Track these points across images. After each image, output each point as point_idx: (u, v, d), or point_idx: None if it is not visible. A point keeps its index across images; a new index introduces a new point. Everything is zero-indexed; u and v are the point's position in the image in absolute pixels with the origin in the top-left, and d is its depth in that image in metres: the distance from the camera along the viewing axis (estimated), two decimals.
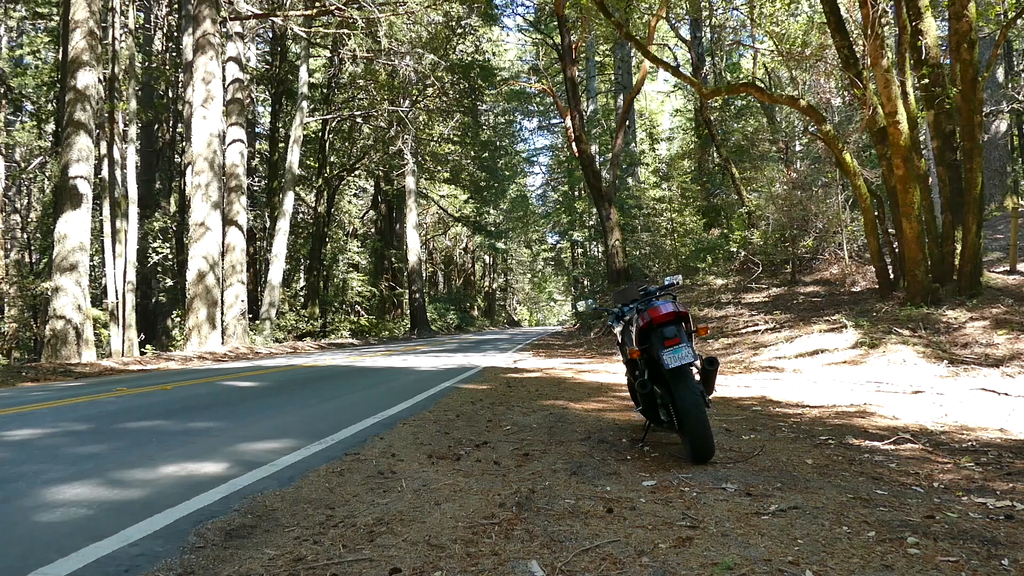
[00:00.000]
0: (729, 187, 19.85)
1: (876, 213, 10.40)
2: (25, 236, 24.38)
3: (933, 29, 9.16)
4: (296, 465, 3.34)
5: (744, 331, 10.88)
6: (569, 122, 18.98)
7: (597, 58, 29.18)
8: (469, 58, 25.95)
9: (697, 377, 3.43)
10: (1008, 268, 10.17)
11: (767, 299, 13.12)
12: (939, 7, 12.01)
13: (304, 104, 21.37)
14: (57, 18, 19.01)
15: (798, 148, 19.02)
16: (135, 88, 17.23)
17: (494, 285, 52.46)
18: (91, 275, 15.47)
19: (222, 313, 15.93)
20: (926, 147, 11.53)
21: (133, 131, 16.95)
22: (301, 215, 28.60)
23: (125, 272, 15.84)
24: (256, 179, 26.55)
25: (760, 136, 20.96)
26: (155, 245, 21.31)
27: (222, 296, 15.99)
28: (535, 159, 43.59)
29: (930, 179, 10.56)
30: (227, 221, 16.82)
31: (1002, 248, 11.78)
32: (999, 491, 2.78)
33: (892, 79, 8.22)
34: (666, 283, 3.82)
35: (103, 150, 16.37)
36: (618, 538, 2.18)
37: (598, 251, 31.22)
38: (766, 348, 9.36)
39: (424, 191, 33.09)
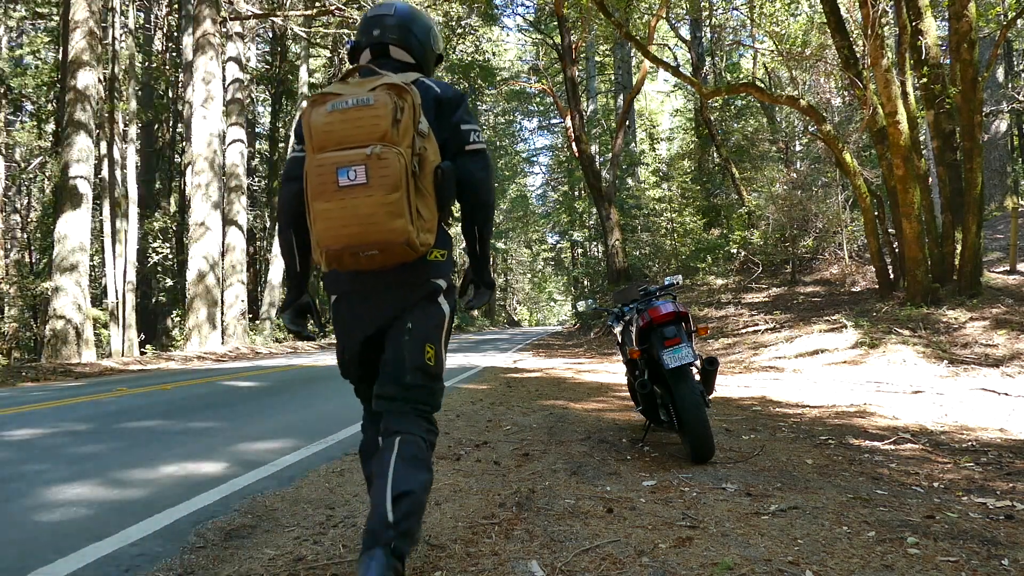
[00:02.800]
0: (729, 187, 19.83)
1: (876, 213, 10.40)
2: (25, 236, 24.37)
3: (933, 29, 9.16)
4: (296, 465, 3.34)
5: (744, 331, 10.88)
6: (569, 122, 18.97)
7: (597, 58, 29.15)
8: (469, 58, 25.93)
9: (697, 377, 3.43)
10: (1008, 268, 10.17)
11: (767, 299, 13.12)
12: (939, 7, 12.00)
13: (304, 104, 21.35)
14: (57, 18, 19.00)
15: (798, 148, 19.01)
16: (135, 88, 17.23)
17: None
18: (91, 275, 15.47)
19: (222, 313, 15.93)
20: (926, 147, 11.53)
21: (133, 131, 16.96)
22: None
23: (125, 272, 15.84)
24: (256, 179, 26.54)
25: (760, 136, 20.94)
26: (155, 245, 21.30)
27: (222, 296, 15.99)
28: (535, 159, 43.58)
29: (930, 179, 10.55)
30: (227, 221, 16.82)
31: (1002, 248, 11.78)
32: (999, 491, 2.78)
33: (892, 79, 8.22)
34: (666, 283, 3.83)
35: (103, 150, 16.37)
36: (618, 538, 2.18)
37: (598, 251, 31.20)
38: (766, 348, 9.36)
39: None
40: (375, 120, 1.57)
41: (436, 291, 1.77)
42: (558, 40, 19.28)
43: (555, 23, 19.89)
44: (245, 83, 19.20)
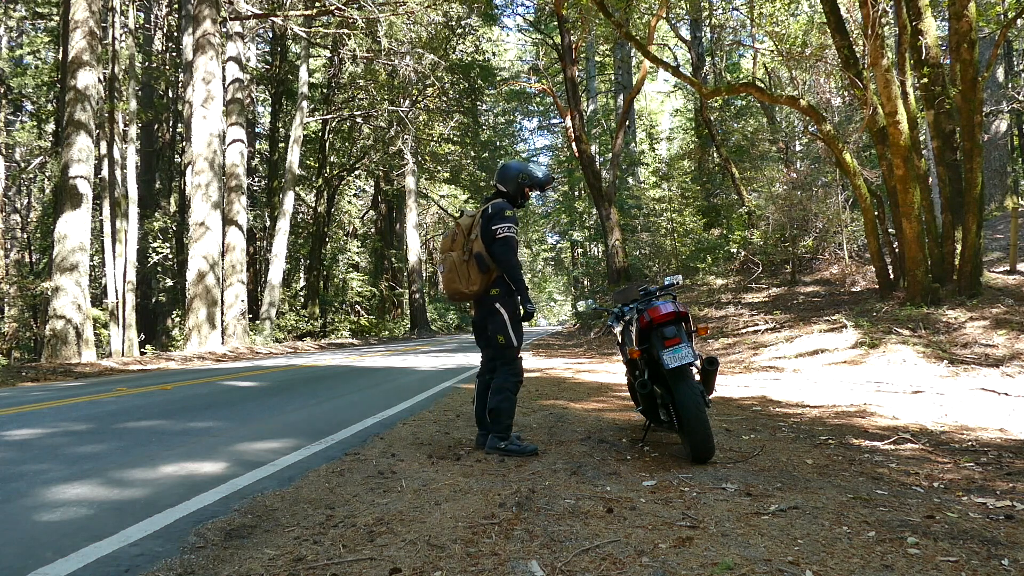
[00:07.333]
0: (729, 187, 19.83)
1: (876, 213, 10.40)
2: (25, 236, 24.38)
3: (933, 29, 9.16)
4: (296, 465, 3.34)
5: (744, 331, 10.88)
6: (569, 122, 18.97)
7: (597, 58, 29.15)
8: (469, 58, 25.92)
9: (697, 377, 3.43)
10: (1008, 268, 10.17)
11: (767, 299, 13.12)
12: (939, 7, 12.01)
13: (304, 104, 21.37)
14: (57, 18, 19.01)
15: (798, 148, 19.01)
16: (135, 88, 17.23)
17: None
18: (91, 275, 15.47)
19: (222, 313, 15.93)
20: (926, 147, 11.52)
21: (133, 131, 16.95)
22: (301, 215, 28.59)
23: (125, 272, 15.84)
24: (256, 179, 26.54)
25: (760, 136, 20.95)
26: (155, 245, 21.30)
27: (222, 296, 15.99)
28: (535, 159, 43.54)
29: (930, 179, 10.55)
30: (227, 221, 16.81)
31: (1002, 248, 11.78)
32: (999, 491, 2.78)
33: (892, 79, 8.22)
34: (666, 283, 3.83)
35: (103, 150, 16.37)
36: (618, 538, 2.18)
37: (598, 251, 31.20)
38: (766, 348, 9.36)
39: (424, 191, 33.08)
40: (448, 241, 3.74)
41: (495, 307, 3.62)
42: (558, 40, 19.27)
43: (555, 23, 19.89)
44: (245, 83, 19.19)
